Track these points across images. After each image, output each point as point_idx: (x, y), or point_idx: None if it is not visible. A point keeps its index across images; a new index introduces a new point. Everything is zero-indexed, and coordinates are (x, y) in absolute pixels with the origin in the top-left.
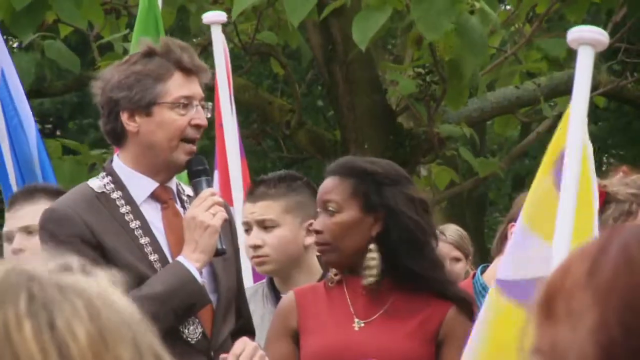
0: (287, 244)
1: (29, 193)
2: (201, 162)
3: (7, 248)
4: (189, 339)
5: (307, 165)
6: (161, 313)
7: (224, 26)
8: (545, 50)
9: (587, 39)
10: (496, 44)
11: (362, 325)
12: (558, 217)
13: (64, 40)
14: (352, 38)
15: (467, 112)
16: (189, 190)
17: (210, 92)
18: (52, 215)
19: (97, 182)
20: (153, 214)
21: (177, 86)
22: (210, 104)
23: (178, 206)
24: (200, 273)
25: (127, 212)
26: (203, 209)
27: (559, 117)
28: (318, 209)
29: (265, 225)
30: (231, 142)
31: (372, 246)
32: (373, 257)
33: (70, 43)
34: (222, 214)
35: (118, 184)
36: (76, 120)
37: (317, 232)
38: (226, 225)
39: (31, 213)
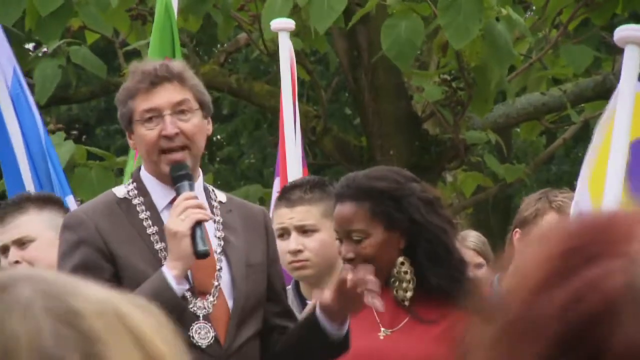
0: (326, 249)
1: (17, 204)
2: (181, 168)
3: (3, 261)
4: (199, 344)
5: (335, 171)
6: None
7: (251, 32)
8: (571, 64)
9: (633, 38)
10: (523, 51)
11: (388, 333)
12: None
13: (89, 46)
14: (378, 45)
15: (493, 118)
16: (221, 197)
17: None
18: (69, 220)
19: (122, 189)
20: None
21: (142, 101)
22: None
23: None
24: (187, 279)
25: (146, 218)
26: (174, 216)
27: (585, 123)
28: (339, 236)
29: (305, 230)
30: (292, 149)
31: (401, 259)
32: (405, 271)
33: (95, 49)
34: (193, 217)
35: (142, 190)
36: (103, 127)
37: (349, 260)
38: (244, 228)
39: (22, 224)
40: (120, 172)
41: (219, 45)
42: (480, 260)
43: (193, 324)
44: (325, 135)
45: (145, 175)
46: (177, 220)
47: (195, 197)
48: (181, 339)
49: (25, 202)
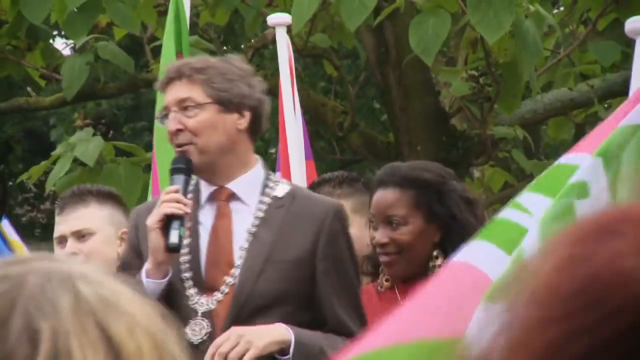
0: (356, 243)
1: (80, 196)
2: (179, 161)
3: (58, 251)
4: (191, 341)
5: (362, 167)
6: None
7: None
8: (599, 57)
9: None
10: (550, 46)
11: None
12: None
13: (117, 42)
14: (406, 41)
15: (520, 113)
16: (280, 192)
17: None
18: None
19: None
20: (209, 216)
21: (162, 98)
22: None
23: (245, 207)
24: (158, 272)
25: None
26: (155, 209)
27: None
28: (374, 220)
29: None
30: (294, 143)
31: (436, 252)
32: (439, 265)
33: (122, 46)
34: (163, 210)
35: (197, 186)
36: (130, 124)
37: (383, 244)
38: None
39: (83, 217)
40: (148, 168)
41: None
42: None
43: (190, 320)
44: (352, 130)
45: None
46: (151, 215)
47: (177, 191)
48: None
49: (86, 194)
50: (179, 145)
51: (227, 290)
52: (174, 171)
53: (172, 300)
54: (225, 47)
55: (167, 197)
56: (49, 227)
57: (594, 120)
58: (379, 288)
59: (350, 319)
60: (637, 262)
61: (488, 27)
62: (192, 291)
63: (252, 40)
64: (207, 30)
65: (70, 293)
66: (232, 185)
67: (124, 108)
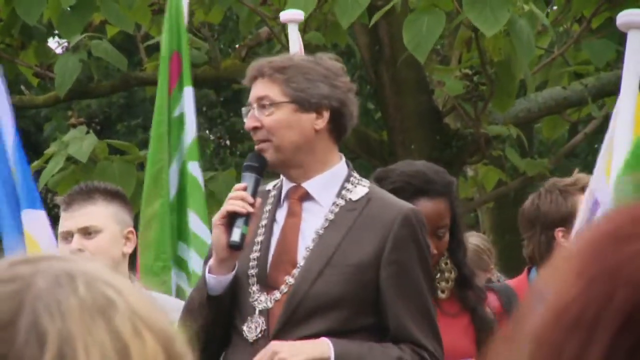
0: None
1: (87, 193)
2: (253, 159)
3: (63, 247)
4: (247, 337)
5: (356, 165)
6: (187, 308)
7: (273, 26)
8: (593, 57)
9: (636, 23)
10: (544, 45)
11: None
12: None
13: (110, 40)
14: (399, 39)
15: (514, 112)
16: (356, 194)
17: None
18: None
19: (273, 182)
20: (284, 214)
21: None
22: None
23: (320, 207)
24: (232, 267)
25: (267, 210)
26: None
27: (606, 117)
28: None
29: None
30: None
31: (445, 253)
32: (447, 262)
33: (115, 45)
34: (226, 207)
35: (281, 183)
36: (124, 122)
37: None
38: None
39: (90, 214)
40: (141, 166)
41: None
42: None
43: (249, 317)
44: None
45: None
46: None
47: (244, 189)
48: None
49: (94, 192)
50: (257, 142)
51: (286, 289)
52: (246, 168)
53: (236, 296)
54: (221, 46)
55: (234, 195)
56: None
57: (588, 119)
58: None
59: (416, 326)
60: None
61: (485, 22)
62: (254, 288)
63: (247, 39)
64: (201, 28)
65: (77, 294)
66: (307, 185)
67: (116, 106)
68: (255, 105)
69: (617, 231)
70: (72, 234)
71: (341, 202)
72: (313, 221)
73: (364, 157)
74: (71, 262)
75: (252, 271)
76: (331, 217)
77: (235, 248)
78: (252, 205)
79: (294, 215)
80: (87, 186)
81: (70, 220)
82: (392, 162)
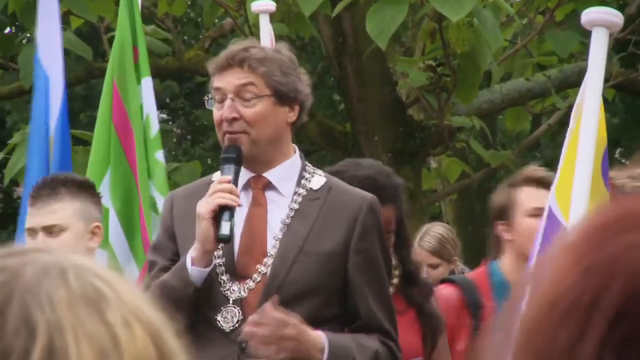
0: None
1: (53, 188)
2: (231, 151)
3: (28, 242)
4: (223, 328)
5: (322, 155)
6: (168, 298)
7: (237, 17)
8: (557, 48)
9: (601, 21)
10: (508, 37)
11: None
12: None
13: (73, 32)
14: (363, 31)
15: (477, 104)
16: (316, 184)
17: None
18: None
19: (219, 172)
20: (244, 203)
21: (215, 79)
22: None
23: (282, 197)
24: (204, 261)
25: None
26: (205, 198)
27: (570, 109)
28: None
29: None
30: None
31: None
32: (391, 260)
33: (79, 35)
34: (216, 201)
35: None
36: (87, 113)
37: None
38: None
39: (54, 212)
40: None
41: (204, 32)
42: (435, 260)
43: (222, 308)
44: (309, 120)
45: None
46: (202, 203)
47: (229, 182)
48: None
49: (59, 186)
50: (231, 133)
51: (259, 278)
52: (224, 160)
53: (207, 286)
54: (184, 38)
55: (221, 187)
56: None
57: (551, 110)
58: None
59: (382, 314)
60: None
61: (450, 9)
62: (224, 278)
63: (210, 30)
64: (165, 20)
65: (66, 285)
66: (269, 175)
67: (78, 98)
68: (232, 95)
69: (613, 223)
70: (37, 231)
71: (302, 191)
72: (277, 211)
73: (328, 148)
74: (60, 255)
75: (219, 260)
76: (295, 206)
77: (225, 241)
78: (238, 196)
79: (259, 205)
80: (53, 180)
81: (35, 217)
82: (356, 153)
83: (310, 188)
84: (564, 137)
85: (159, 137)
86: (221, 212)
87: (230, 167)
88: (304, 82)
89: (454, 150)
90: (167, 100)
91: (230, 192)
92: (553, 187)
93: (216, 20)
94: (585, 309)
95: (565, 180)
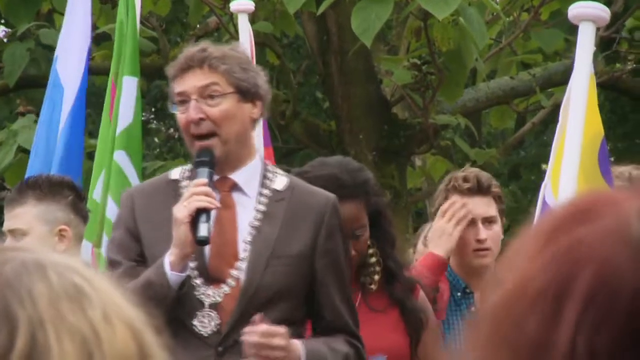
0: None
1: (20, 193)
2: (204, 154)
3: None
4: (201, 332)
5: (304, 155)
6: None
7: (222, 16)
8: (542, 44)
9: (588, 15)
10: (493, 35)
11: None
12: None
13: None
14: (348, 29)
15: (462, 102)
16: (279, 184)
17: None
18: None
19: (178, 170)
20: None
21: (176, 84)
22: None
23: (247, 199)
24: (182, 266)
25: None
26: (181, 202)
27: (554, 107)
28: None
29: None
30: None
31: (370, 242)
32: (372, 254)
33: None
34: (194, 204)
35: (195, 173)
36: None
37: (352, 258)
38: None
39: (16, 217)
40: (90, 156)
41: (189, 31)
42: None
43: (197, 312)
44: (294, 119)
45: None
46: (179, 207)
47: (205, 184)
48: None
49: (26, 191)
50: (200, 135)
51: (234, 283)
52: (198, 164)
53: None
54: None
55: (197, 190)
56: None
57: (535, 109)
58: None
59: (347, 314)
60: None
61: (435, 6)
62: (197, 281)
63: (195, 29)
64: (150, 18)
65: (46, 281)
66: (235, 176)
67: None
68: (195, 96)
69: (579, 211)
70: (6, 235)
71: (267, 192)
72: (244, 213)
73: (313, 147)
74: (40, 252)
75: (191, 264)
76: (262, 208)
77: (205, 244)
78: (215, 199)
79: (227, 207)
80: (22, 186)
81: (6, 220)
82: (340, 151)
83: (274, 189)
84: (548, 135)
85: (123, 136)
86: (198, 215)
87: (204, 171)
88: (262, 78)
89: (439, 149)
90: (156, 99)
91: (207, 195)
92: (549, 181)
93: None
94: (554, 296)
95: (558, 173)
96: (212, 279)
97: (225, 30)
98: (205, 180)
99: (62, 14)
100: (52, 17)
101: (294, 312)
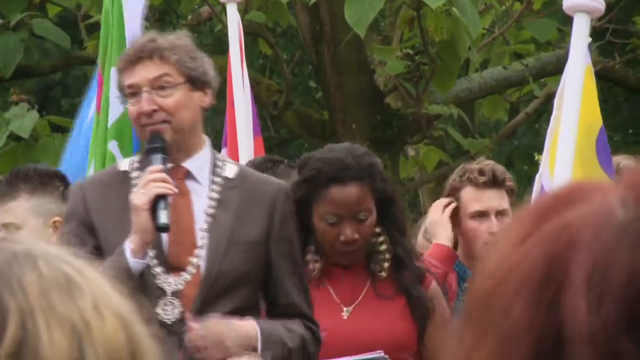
0: None
1: (12, 186)
2: (156, 140)
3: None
4: (165, 320)
5: (297, 145)
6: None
7: (214, 5)
8: (535, 34)
9: (583, 6)
10: (486, 25)
11: (351, 311)
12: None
13: (52, 20)
14: (341, 19)
15: (455, 92)
16: (230, 172)
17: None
18: (70, 189)
19: (127, 162)
20: None
21: (126, 76)
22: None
23: (200, 186)
24: (143, 254)
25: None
26: (138, 190)
27: (547, 97)
28: (337, 219)
29: None
30: (242, 120)
31: (378, 229)
32: (382, 241)
33: (57, 23)
34: (153, 190)
35: (144, 163)
36: (68, 99)
37: (354, 241)
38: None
39: (9, 211)
40: None
41: (180, 20)
42: None
43: (159, 300)
44: (287, 109)
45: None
46: (137, 194)
47: (161, 171)
48: (148, 314)
49: (19, 184)
50: (152, 125)
51: (194, 270)
52: (151, 151)
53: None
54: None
55: (154, 177)
56: None
57: (528, 99)
58: (314, 273)
59: (302, 300)
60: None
61: None
62: (157, 270)
63: (188, 18)
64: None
65: (37, 271)
66: (187, 164)
67: (59, 84)
68: (147, 88)
69: (564, 198)
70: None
71: (219, 179)
72: (199, 201)
73: (305, 136)
74: (29, 243)
75: (150, 253)
76: (215, 195)
77: (165, 230)
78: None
79: (183, 195)
80: (12, 177)
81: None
82: (333, 141)
83: (226, 176)
84: (541, 125)
85: (114, 127)
86: (156, 201)
87: (158, 157)
88: (210, 65)
89: (432, 139)
90: None
91: (164, 181)
92: (545, 168)
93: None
94: (545, 280)
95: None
96: (173, 267)
97: (218, 20)
98: (160, 166)
99: (55, 4)
100: (45, 7)
101: (251, 298)
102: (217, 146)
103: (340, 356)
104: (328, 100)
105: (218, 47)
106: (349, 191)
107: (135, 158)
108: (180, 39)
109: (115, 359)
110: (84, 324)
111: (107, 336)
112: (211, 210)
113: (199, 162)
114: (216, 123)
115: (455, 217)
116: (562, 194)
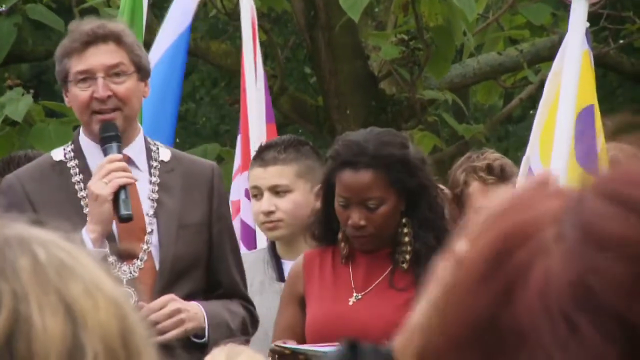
0: (299, 209)
1: (2, 175)
2: (110, 129)
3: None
4: None
5: (292, 130)
6: None
7: None
8: (530, 16)
9: None
10: (480, 10)
11: (359, 298)
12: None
13: (45, 5)
14: (335, 4)
15: (449, 78)
16: (164, 155)
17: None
18: (2, 184)
19: (60, 152)
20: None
21: (76, 61)
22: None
23: (140, 172)
24: (114, 243)
25: (78, 181)
26: (97, 178)
27: (541, 83)
28: (346, 202)
29: (277, 191)
30: (254, 106)
31: (404, 220)
32: (407, 232)
33: (51, 9)
34: (117, 181)
35: (78, 152)
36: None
37: (360, 227)
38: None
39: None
40: (76, 129)
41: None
42: None
43: None
44: (281, 94)
45: (83, 138)
46: (99, 184)
47: (121, 160)
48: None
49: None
50: (104, 112)
51: (145, 257)
52: (106, 139)
53: None
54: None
55: (115, 167)
56: None
57: (523, 84)
58: (343, 259)
59: (240, 279)
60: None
61: None
62: (110, 259)
63: None
64: None
65: (29, 255)
66: (128, 151)
67: (52, 70)
68: (102, 74)
69: (538, 186)
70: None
71: (155, 164)
72: (141, 187)
73: (300, 122)
74: (23, 228)
75: None
76: (156, 180)
77: (129, 220)
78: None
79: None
80: (3, 165)
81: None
82: (328, 127)
83: (162, 160)
84: (535, 111)
85: None
86: (117, 191)
87: (113, 146)
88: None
89: (426, 124)
90: None
91: (124, 170)
92: (535, 151)
93: None
94: (510, 269)
95: (548, 144)
96: (124, 255)
97: (212, 5)
98: (120, 155)
99: None
100: None
101: (202, 281)
102: (216, 135)
103: (330, 342)
104: (322, 86)
105: (212, 33)
106: (360, 177)
107: (69, 147)
108: (123, 27)
109: (109, 345)
110: (77, 309)
111: (101, 321)
112: (154, 195)
113: (137, 148)
114: (212, 113)
115: (461, 209)
116: (537, 182)
